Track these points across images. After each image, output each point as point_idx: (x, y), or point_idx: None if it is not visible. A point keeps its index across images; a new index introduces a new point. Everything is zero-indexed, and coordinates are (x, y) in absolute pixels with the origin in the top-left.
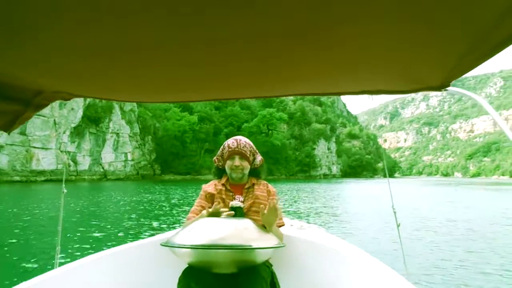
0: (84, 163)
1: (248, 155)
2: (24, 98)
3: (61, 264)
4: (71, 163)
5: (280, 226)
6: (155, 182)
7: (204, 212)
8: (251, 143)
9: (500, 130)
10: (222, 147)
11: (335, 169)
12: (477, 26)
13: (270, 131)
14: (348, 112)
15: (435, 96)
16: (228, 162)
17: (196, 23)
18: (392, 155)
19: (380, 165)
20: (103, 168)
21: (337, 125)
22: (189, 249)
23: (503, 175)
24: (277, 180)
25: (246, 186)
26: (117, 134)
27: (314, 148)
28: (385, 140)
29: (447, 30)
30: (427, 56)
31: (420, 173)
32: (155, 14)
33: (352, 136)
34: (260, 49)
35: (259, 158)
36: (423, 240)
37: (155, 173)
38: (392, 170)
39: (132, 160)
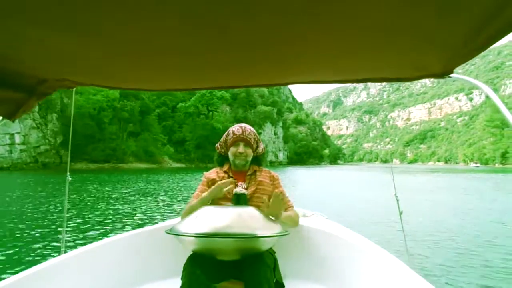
0: None
1: (252, 143)
2: (28, 86)
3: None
4: None
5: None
6: (60, 173)
7: (205, 194)
8: (254, 131)
9: (435, 118)
10: (226, 133)
11: (281, 156)
12: (479, 13)
13: (211, 113)
14: (293, 98)
15: (375, 86)
16: (232, 149)
17: (201, 11)
18: (335, 142)
19: (326, 151)
20: None
21: (284, 109)
22: (194, 237)
23: (438, 161)
24: None
25: (249, 173)
26: None
27: (260, 133)
28: (328, 128)
29: (448, 17)
30: (429, 43)
31: (361, 160)
32: (159, 1)
33: (298, 121)
34: (265, 38)
35: (261, 146)
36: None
37: (61, 160)
38: (336, 157)
39: (23, 143)
